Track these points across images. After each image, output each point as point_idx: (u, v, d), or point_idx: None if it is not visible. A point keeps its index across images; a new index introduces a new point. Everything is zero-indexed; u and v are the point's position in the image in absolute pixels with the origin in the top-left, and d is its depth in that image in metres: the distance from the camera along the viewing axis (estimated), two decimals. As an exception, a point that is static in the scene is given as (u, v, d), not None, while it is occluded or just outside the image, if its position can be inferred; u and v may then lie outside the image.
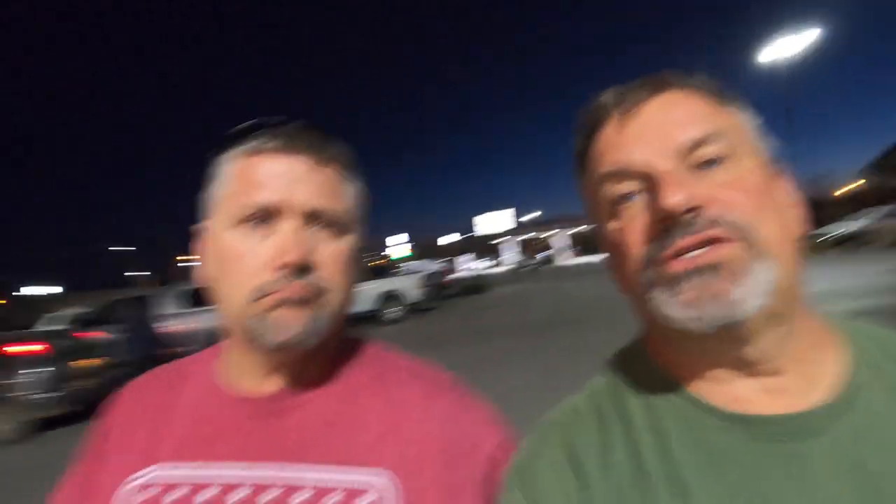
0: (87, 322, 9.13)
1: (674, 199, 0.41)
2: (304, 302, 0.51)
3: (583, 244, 51.79)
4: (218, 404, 0.56)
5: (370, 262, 19.51)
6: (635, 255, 0.46)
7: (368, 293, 13.45)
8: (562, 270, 34.04)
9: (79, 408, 6.26)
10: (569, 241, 53.07)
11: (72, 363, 6.65)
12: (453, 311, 14.79)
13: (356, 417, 0.53)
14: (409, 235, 71.84)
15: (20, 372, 6.20)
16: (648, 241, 0.45)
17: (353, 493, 0.48)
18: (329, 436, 0.52)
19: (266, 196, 0.51)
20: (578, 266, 36.59)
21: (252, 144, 0.53)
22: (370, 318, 13.34)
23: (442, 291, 17.62)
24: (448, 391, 0.57)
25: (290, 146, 0.53)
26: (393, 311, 13.49)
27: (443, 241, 76.21)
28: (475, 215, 65.94)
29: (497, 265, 57.01)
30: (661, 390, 0.49)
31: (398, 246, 68.87)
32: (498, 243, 59.96)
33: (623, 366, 0.54)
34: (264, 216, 0.51)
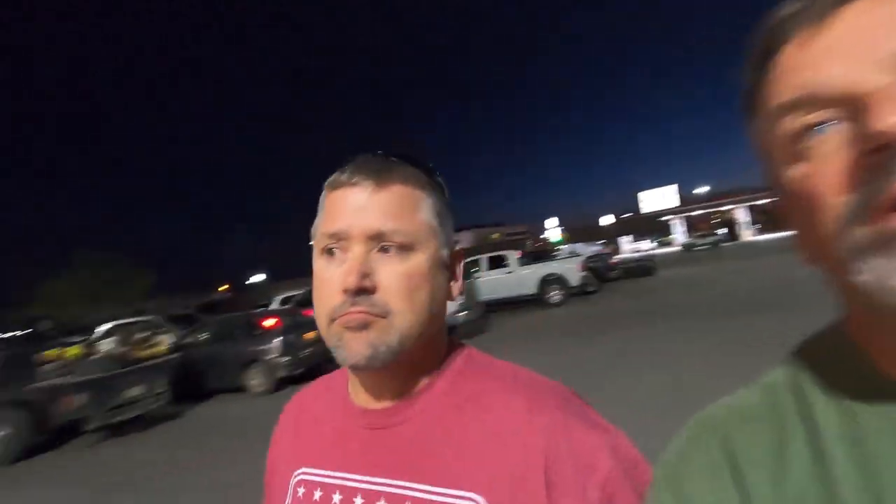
0: (303, 303, 11.27)
1: (893, 118, 0.30)
2: (364, 325, 0.52)
3: (766, 219, 45.13)
4: (345, 415, 0.60)
5: (529, 246, 19.85)
6: (833, 206, 0.33)
7: (529, 277, 13.90)
8: (742, 248, 30.29)
9: (303, 370, 7.97)
10: (749, 216, 46.67)
11: (303, 335, 8.42)
12: (617, 294, 14.46)
13: (455, 437, 0.53)
14: (566, 218, 70.19)
15: (272, 341, 8.09)
16: (854, 186, 0.32)
17: None
18: (429, 455, 0.53)
19: (336, 225, 0.54)
20: (762, 243, 32.15)
21: (331, 180, 0.57)
22: (532, 301, 13.77)
23: (605, 274, 17.25)
24: (556, 408, 0.52)
25: (354, 177, 0.55)
26: (555, 295, 13.73)
27: (603, 221, 72.95)
28: (637, 193, 61.72)
29: (665, 245, 52.81)
30: (869, 390, 0.37)
31: (556, 229, 67.95)
32: (665, 221, 55.37)
33: (814, 357, 0.42)
34: (338, 244, 0.54)
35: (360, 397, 0.60)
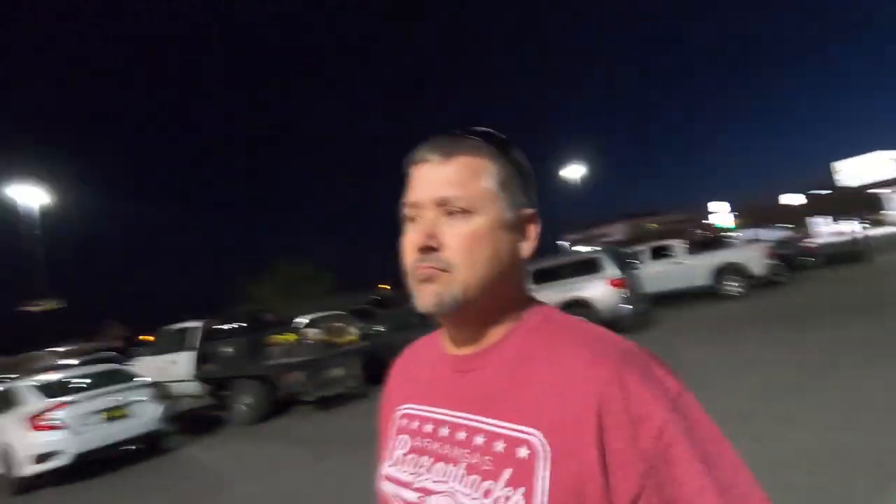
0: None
1: None
2: (430, 278, 0.61)
3: None
4: (439, 360, 0.71)
5: (697, 233, 18.06)
6: None
7: (701, 267, 12.74)
8: None
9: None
10: None
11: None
12: (814, 286, 12.53)
13: (523, 381, 0.60)
14: (737, 199, 61.88)
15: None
16: None
17: (512, 444, 0.56)
18: (500, 395, 0.60)
19: (412, 196, 0.64)
20: None
21: (410, 158, 0.67)
22: (706, 294, 12.59)
23: (796, 262, 14.98)
24: (619, 359, 0.56)
25: (424, 153, 0.65)
26: (732, 286, 12.39)
27: (785, 200, 62.89)
28: (832, 164, 51.73)
29: (880, 224, 43.61)
30: None
31: (722, 214, 60.42)
32: (875, 195, 45.51)
33: None
34: (414, 211, 0.64)
35: (448, 346, 0.70)
